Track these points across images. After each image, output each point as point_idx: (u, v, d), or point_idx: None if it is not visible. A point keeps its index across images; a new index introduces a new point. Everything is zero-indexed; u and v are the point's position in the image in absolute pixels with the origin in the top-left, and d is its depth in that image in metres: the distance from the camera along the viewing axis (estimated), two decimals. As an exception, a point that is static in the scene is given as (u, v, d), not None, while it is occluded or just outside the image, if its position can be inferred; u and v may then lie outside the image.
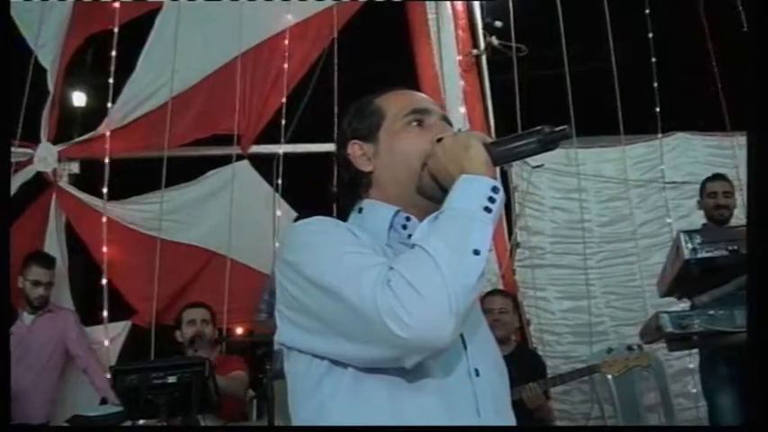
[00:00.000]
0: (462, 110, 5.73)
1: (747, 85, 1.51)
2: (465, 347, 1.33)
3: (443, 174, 1.35)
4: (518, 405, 3.97)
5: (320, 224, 1.36)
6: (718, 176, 4.54)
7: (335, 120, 4.84)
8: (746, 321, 1.51)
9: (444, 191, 1.34)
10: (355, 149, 1.48)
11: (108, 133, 5.50)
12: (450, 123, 1.50)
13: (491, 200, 1.28)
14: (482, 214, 1.26)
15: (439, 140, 1.40)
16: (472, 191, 1.29)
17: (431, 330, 1.15)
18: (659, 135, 5.98)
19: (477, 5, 6.06)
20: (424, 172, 1.40)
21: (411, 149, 1.42)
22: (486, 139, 1.38)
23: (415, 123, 1.45)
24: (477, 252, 1.21)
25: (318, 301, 1.24)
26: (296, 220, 4.39)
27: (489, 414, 1.30)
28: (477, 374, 1.33)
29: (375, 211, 1.44)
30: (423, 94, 1.54)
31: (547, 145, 1.35)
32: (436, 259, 1.18)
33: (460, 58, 5.91)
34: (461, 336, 1.32)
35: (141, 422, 4.02)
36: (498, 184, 1.31)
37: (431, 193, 1.40)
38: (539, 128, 1.36)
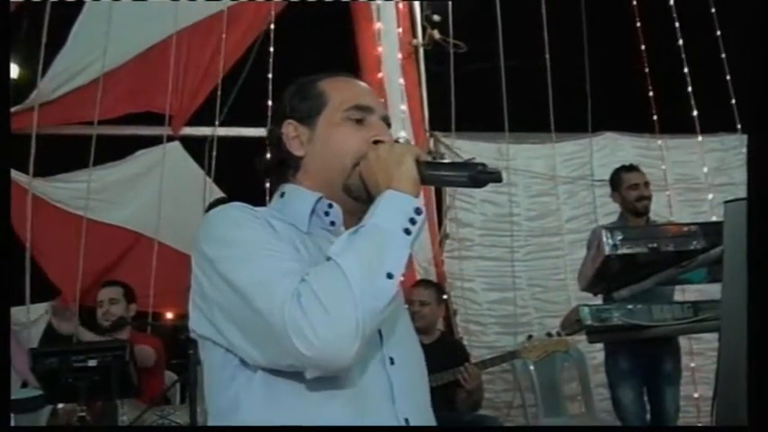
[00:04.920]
0: (402, 104, 5.76)
1: (746, 86, 1.54)
2: (381, 336, 1.32)
3: (371, 181, 1.34)
4: (453, 386, 4.08)
5: (239, 216, 1.32)
6: (633, 167, 4.44)
7: (270, 105, 4.81)
8: (747, 321, 1.51)
9: (369, 195, 1.34)
10: (290, 130, 1.43)
11: (36, 107, 5.36)
12: (388, 124, 1.47)
13: (412, 221, 1.27)
14: (401, 236, 1.25)
15: (376, 142, 1.38)
16: (395, 209, 1.27)
17: (334, 352, 1.16)
18: (589, 134, 6.12)
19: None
20: (354, 171, 1.38)
21: (346, 146, 1.39)
22: (421, 156, 1.35)
23: (355, 119, 1.41)
24: (390, 275, 1.20)
25: (229, 301, 1.23)
26: (210, 206, 4.36)
27: (404, 402, 1.31)
28: (392, 363, 1.33)
29: (297, 197, 1.41)
30: (367, 87, 1.51)
31: (477, 183, 1.34)
32: (349, 279, 1.17)
33: (400, 45, 5.93)
34: None
35: (61, 405, 3.96)
36: (422, 205, 1.30)
37: (356, 193, 1.38)
38: (473, 163, 1.34)
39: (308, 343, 1.14)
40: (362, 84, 1.51)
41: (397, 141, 1.43)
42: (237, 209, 1.34)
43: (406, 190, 1.29)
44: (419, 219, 1.27)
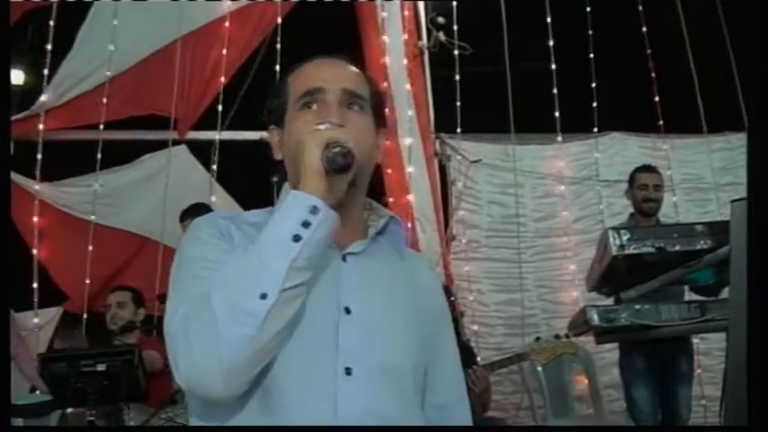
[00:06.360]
0: (409, 107, 5.77)
1: (747, 85, 1.55)
2: (337, 343, 1.24)
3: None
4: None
5: (201, 230, 1.31)
6: (648, 168, 4.51)
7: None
8: (746, 322, 1.51)
9: None
10: (273, 136, 1.38)
11: (43, 112, 5.38)
12: (356, 95, 1.33)
13: (305, 224, 1.15)
14: (287, 246, 1.14)
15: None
16: (290, 212, 1.17)
17: (200, 387, 1.15)
18: (595, 134, 6.12)
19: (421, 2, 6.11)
20: None
21: (297, 138, 1.28)
22: (339, 139, 1.21)
23: (308, 107, 1.32)
24: (264, 296, 1.12)
25: None
26: (185, 212, 4.40)
27: (355, 414, 1.20)
28: (349, 373, 1.22)
29: (282, 197, 1.35)
30: (324, 61, 1.38)
31: (329, 165, 1.20)
32: (215, 311, 1.12)
33: (406, 48, 5.94)
34: (336, 330, 1.25)
35: (69, 410, 3.97)
36: (320, 202, 1.17)
37: None
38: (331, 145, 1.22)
39: (179, 376, 1.15)
40: (319, 60, 1.39)
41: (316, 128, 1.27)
42: (205, 222, 1.33)
43: (306, 186, 1.19)
44: (315, 219, 1.16)
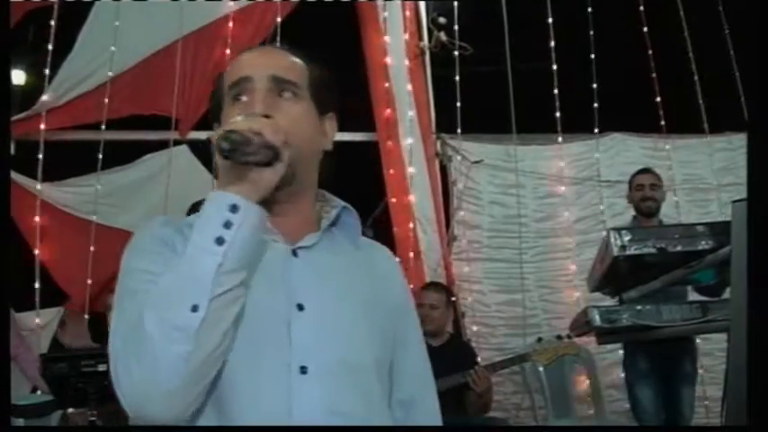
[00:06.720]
0: (410, 97, 5.77)
1: (747, 85, 1.55)
2: (291, 342, 1.19)
3: None
4: (463, 389, 4.09)
5: (144, 239, 1.24)
6: (645, 170, 4.64)
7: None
8: (746, 322, 1.50)
9: None
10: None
11: (44, 112, 5.38)
12: (286, 82, 1.27)
13: (228, 225, 1.08)
14: (211, 250, 1.08)
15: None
16: (210, 214, 1.11)
17: (142, 411, 1.10)
18: (596, 134, 6.11)
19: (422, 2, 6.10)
20: None
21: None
22: (253, 127, 1.13)
23: (238, 99, 1.26)
24: (195, 308, 1.06)
25: None
26: (190, 210, 4.35)
27: (314, 413, 1.16)
28: (304, 372, 1.17)
29: None
30: (257, 51, 1.33)
31: (225, 156, 1.11)
32: (149, 331, 1.06)
33: (407, 48, 5.93)
34: (289, 328, 1.19)
35: (70, 410, 3.97)
36: (239, 199, 1.10)
37: None
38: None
39: (124, 401, 1.10)
40: (250, 50, 1.34)
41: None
42: (146, 229, 1.26)
43: (221, 184, 1.14)
44: (236, 218, 1.09)
